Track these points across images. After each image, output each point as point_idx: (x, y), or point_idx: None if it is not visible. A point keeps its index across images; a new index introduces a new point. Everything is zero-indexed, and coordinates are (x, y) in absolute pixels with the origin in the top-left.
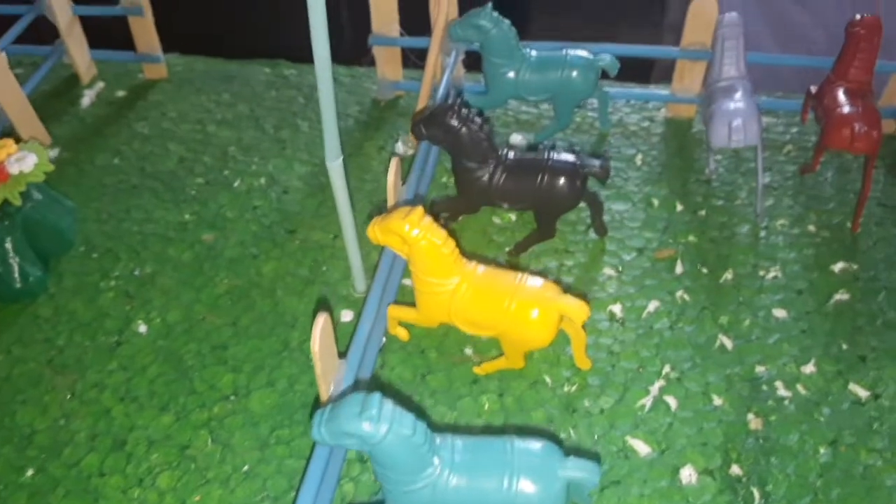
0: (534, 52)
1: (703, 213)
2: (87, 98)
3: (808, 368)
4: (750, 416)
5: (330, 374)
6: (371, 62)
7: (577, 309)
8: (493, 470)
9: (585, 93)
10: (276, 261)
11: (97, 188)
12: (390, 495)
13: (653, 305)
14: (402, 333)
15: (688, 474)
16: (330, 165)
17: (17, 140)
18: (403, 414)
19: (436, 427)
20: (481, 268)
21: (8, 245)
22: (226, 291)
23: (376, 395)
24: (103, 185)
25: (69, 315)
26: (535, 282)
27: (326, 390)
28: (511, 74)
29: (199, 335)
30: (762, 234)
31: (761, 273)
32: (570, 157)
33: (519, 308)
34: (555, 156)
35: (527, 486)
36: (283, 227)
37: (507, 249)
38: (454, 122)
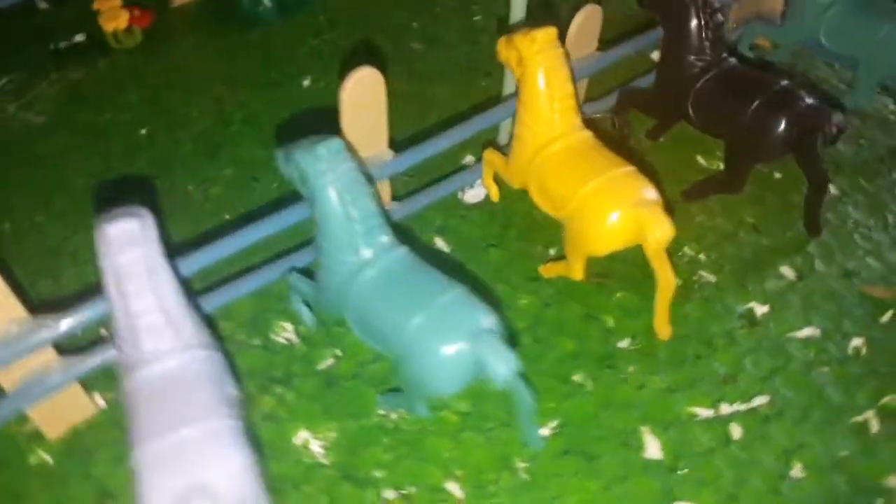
0: None
1: None
2: None
3: None
4: None
5: None
6: None
7: (654, 223)
8: (412, 299)
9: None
10: None
11: None
12: (320, 274)
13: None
14: (494, 191)
15: None
16: None
17: None
18: (354, 172)
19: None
20: (588, 135)
21: None
22: None
23: (336, 140)
24: None
25: None
26: (632, 178)
27: None
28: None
29: None
30: None
31: None
32: (805, 97)
33: (591, 195)
34: (786, 85)
35: (430, 334)
36: None
37: (682, 190)
38: None
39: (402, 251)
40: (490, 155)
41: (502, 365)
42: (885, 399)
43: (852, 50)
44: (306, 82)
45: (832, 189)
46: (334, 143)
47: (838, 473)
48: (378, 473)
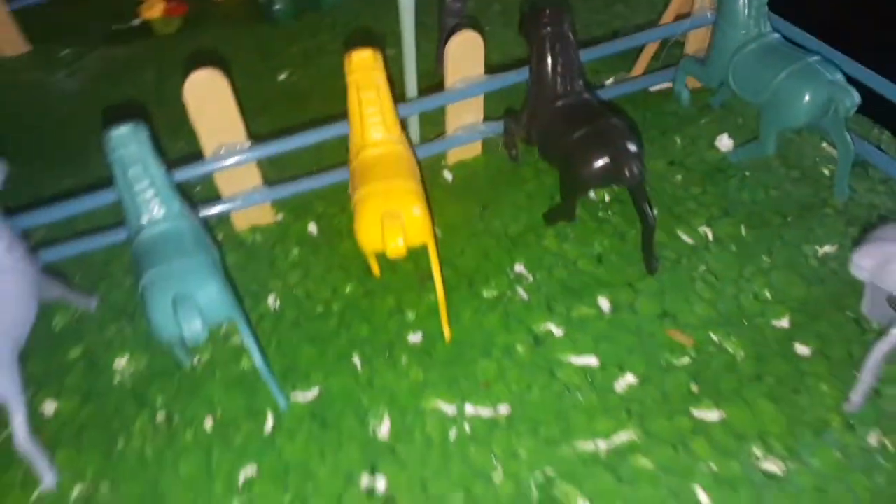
0: (775, 36)
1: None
2: None
3: None
4: None
5: None
6: None
7: (387, 236)
8: (162, 258)
9: (794, 118)
10: None
11: None
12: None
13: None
14: None
15: None
16: None
17: None
18: (145, 149)
19: None
20: (397, 149)
21: None
22: None
23: (128, 126)
24: None
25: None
26: (399, 192)
27: None
28: (733, 44)
29: None
30: None
31: None
32: (628, 136)
33: (360, 198)
34: (614, 122)
35: (157, 294)
36: None
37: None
38: (541, 27)
39: (163, 219)
40: None
41: (192, 324)
42: (613, 435)
43: (753, 97)
44: (282, 76)
45: (708, 233)
46: (125, 128)
47: (538, 489)
48: None
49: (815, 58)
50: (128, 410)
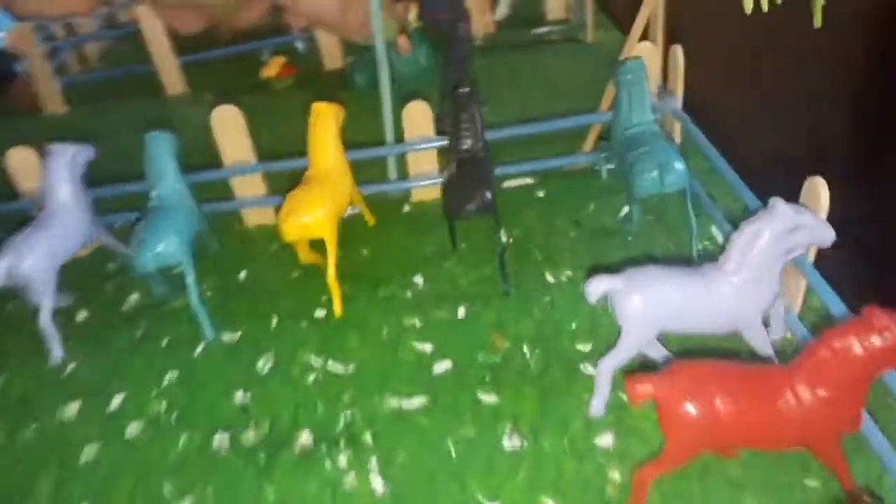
0: (651, 127)
1: None
2: None
3: None
4: None
5: None
6: None
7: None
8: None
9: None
10: None
11: None
12: None
13: None
14: None
15: None
16: None
17: None
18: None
19: None
20: (333, 172)
21: None
22: None
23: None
24: None
25: None
26: (304, 197)
27: None
28: (618, 131)
29: None
30: None
31: None
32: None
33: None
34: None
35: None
36: None
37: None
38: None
39: None
40: None
41: None
42: (414, 398)
43: (620, 171)
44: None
45: (569, 276)
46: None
47: (345, 423)
48: None
49: (664, 144)
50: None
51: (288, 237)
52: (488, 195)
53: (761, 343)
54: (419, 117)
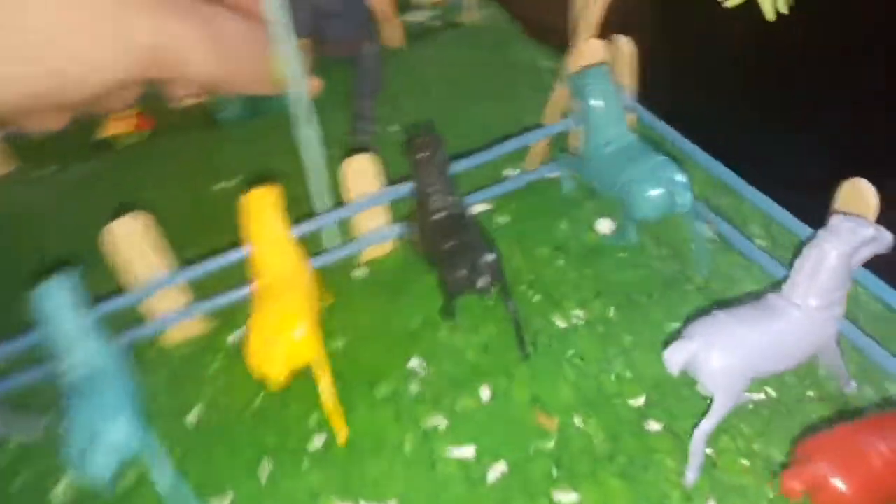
0: (631, 137)
1: None
2: None
3: None
4: None
5: None
6: None
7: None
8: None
9: (641, 211)
10: None
11: None
12: None
13: None
14: None
15: None
16: None
17: None
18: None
19: None
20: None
21: None
22: None
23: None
24: None
25: None
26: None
27: None
28: (594, 145)
29: None
30: None
31: None
32: (484, 249)
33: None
34: (467, 238)
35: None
36: None
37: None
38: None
39: None
40: None
41: None
42: None
43: (609, 189)
44: (217, 186)
45: (580, 315)
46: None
47: None
48: None
49: (661, 158)
50: None
51: (278, 374)
52: (492, 258)
53: (837, 365)
54: (366, 172)
